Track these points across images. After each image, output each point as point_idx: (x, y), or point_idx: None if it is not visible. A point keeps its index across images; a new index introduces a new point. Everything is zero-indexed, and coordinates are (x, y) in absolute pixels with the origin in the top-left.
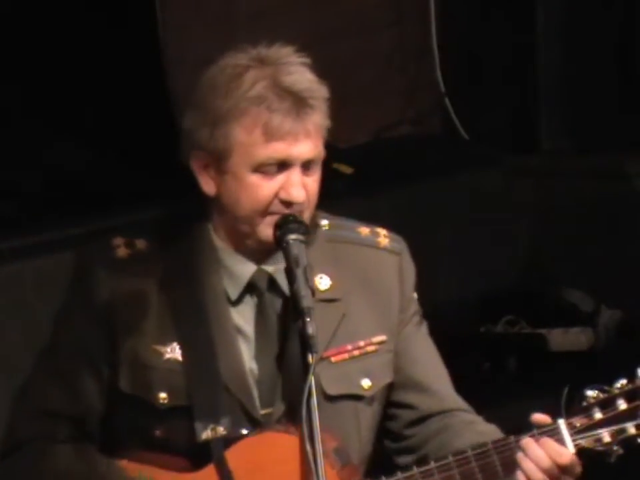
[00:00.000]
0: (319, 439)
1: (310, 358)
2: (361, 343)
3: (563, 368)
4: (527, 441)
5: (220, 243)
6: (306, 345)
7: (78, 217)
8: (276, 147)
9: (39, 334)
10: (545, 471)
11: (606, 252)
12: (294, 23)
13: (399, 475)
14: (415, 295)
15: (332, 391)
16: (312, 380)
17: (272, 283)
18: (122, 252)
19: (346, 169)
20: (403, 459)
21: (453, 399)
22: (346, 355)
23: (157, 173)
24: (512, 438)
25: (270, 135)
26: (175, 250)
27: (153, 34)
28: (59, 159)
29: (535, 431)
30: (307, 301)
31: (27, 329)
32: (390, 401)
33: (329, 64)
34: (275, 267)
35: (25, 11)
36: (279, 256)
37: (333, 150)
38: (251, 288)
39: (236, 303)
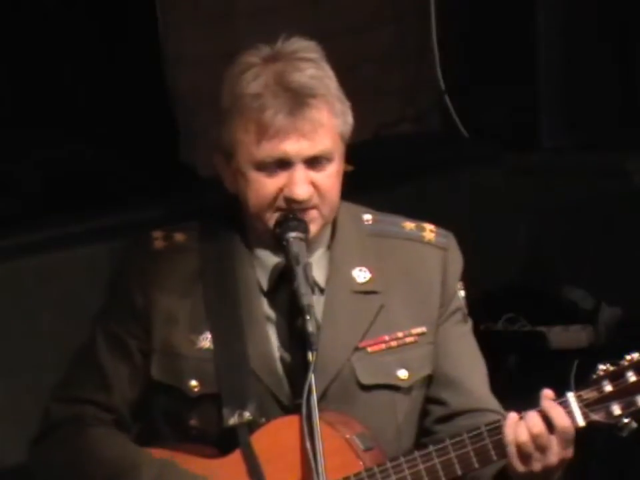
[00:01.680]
0: (319, 437)
1: (310, 356)
2: (399, 334)
3: (563, 365)
4: (531, 413)
5: (252, 236)
6: (306, 342)
7: (78, 215)
8: (270, 145)
9: (39, 332)
10: (535, 436)
11: (606, 250)
12: (294, 21)
13: (415, 453)
14: (462, 293)
15: (366, 380)
16: (312, 378)
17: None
18: (159, 244)
19: (346, 167)
20: None
21: (487, 399)
22: (383, 346)
23: (157, 171)
24: (522, 414)
25: (262, 133)
26: (211, 242)
27: (152, 33)
28: (59, 157)
29: (542, 406)
30: (307, 299)
31: (26, 326)
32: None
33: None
34: (309, 259)
35: (25, 10)
36: (311, 248)
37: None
38: (284, 279)
39: (269, 293)
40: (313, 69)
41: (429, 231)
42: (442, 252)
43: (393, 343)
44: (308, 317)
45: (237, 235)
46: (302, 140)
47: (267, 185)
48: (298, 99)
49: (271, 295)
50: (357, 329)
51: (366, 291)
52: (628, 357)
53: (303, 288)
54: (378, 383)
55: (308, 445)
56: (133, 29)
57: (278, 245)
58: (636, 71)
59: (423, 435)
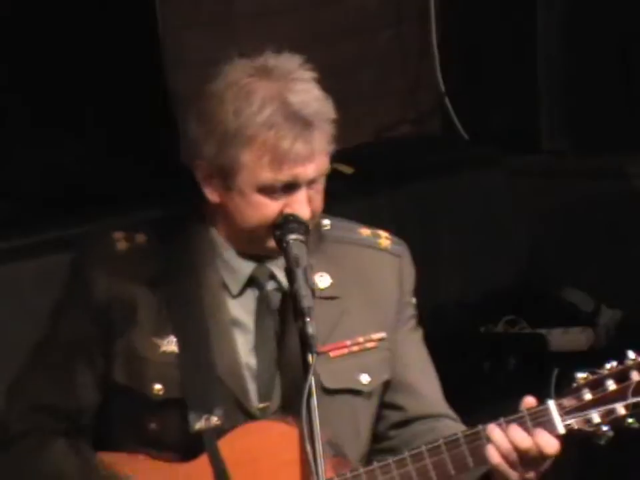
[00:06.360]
0: (319, 439)
1: (310, 358)
2: (360, 339)
3: (562, 368)
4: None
5: (221, 240)
6: (306, 344)
7: (78, 216)
8: (283, 171)
9: (39, 334)
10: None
11: (606, 252)
12: (294, 23)
13: (375, 464)
14: (413, 300)
15: (330, 385)
16: (312, 380)
17: (272, 278)
18: (121, 245)
19: (346, 169)
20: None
21: (441, 405)
22: (345, 350)
23: (157, 173)
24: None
25: (278, 160)
26: (174, 245)
27: (152, 34)
28: (58, 159)
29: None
30: (307, 301)
31: (26, 329)
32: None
33: (329, 64)
34: (275, 263)
35: (25, 11)
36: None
37: (333, 150)
38: (252, 282)
39: (237, 296)
40: (317, 90)
41: (384, 238)
42: (397, 259)
43: (355, 348)
44: (308, 319)
45: (201, 237)
46: (313, 164)
47: (269, 207)
48: (312, 125)
49: (239, 298)
50: (320, 334)
51: (327, 297)
52: (608, 366)
53: (304, 290)
54: (341, 387)
55: (308, 447)
56: (133, 30)
57: (267, 254)
58: (636, 73)
59: (377, 440)
